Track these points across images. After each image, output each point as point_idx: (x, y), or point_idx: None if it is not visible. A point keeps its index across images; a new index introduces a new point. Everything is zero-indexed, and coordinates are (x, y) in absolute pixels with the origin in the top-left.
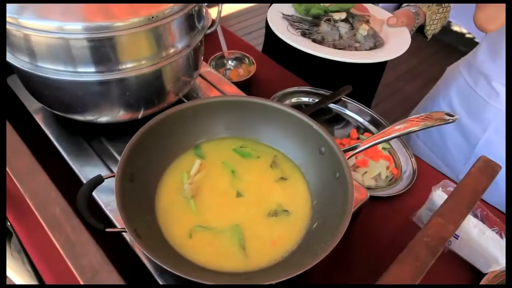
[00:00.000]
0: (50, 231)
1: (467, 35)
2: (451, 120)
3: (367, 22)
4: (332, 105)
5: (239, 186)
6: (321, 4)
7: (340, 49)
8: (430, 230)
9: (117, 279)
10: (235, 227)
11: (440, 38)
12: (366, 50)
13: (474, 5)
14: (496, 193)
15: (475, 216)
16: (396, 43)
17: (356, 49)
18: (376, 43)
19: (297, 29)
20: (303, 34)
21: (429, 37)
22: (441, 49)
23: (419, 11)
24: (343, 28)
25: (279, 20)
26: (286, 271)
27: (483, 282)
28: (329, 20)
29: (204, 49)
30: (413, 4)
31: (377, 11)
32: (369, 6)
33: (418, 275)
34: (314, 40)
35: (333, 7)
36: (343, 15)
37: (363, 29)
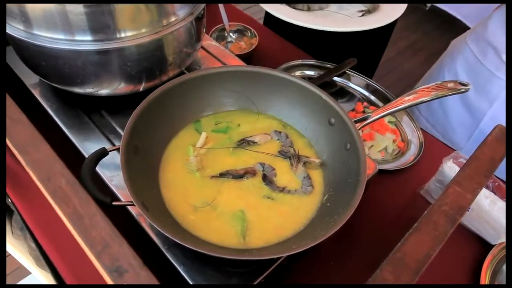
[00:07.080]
0: (56, 203)
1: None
2: (463, 90)
3: None
4: (336, 79)
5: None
6: None
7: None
8: (448, 199)
9: (128, 252)
10: (240, 213)
11: (440, 13)
12: (360, 14)
13: None
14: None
15: (487, 187)
16: (390, 6)
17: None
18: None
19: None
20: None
21: (428, 4)
22: (442, 24)
23: None
24: None
25: None
26: (299, 243)
27: (490, 254)
28: None
29: None
30: None
31: None
32: None
33: (437, 244)
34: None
35: None
36: None
37: None
